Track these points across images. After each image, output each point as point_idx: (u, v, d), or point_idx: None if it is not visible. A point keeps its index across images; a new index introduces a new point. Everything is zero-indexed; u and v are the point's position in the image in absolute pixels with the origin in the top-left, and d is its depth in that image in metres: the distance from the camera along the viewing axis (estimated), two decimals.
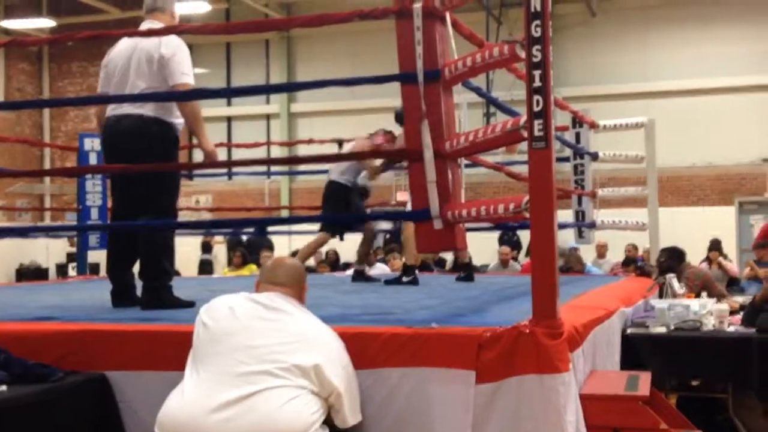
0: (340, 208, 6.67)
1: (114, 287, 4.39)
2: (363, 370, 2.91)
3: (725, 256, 12.47)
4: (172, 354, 3.02)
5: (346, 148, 7.02)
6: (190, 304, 4.13)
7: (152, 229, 4.22)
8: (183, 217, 14.05)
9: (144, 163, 4.10)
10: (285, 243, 14.57)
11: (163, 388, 2.81)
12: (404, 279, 6.17)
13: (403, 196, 14.17)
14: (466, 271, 6.70)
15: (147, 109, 4.21)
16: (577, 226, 7.56)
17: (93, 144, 8.04)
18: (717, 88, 15.92)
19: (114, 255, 4.45)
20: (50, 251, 18.29)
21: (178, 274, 5.49)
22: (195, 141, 4.43)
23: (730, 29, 16.03)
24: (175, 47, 4.21)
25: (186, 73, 4.21)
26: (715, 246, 12.27)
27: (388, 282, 6.24)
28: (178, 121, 4.32)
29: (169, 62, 4.17)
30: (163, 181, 4.26)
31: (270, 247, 12.62)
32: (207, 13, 17.61)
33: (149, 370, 3.12)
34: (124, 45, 4.35)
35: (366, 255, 7.16)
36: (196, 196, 18.38)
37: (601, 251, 13.38)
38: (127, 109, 4.23)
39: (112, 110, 4.31)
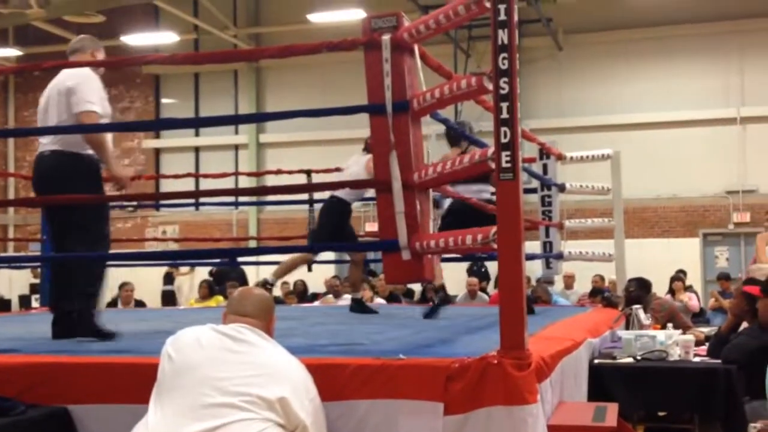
0: (333, 224, 6.43)
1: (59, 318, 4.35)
2: (330, 402, 2.89)
3: (693, 291, 12.60)
4: (136, 386, 2.97)
5: (351, 168, 6.62)
6: (109, 336, 4.10)
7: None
8: (149, 247, 13.95)
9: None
10: (253, 274, 14.49)
11: (127, 421, 2.76)
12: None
13: (372, 226, 14.18)
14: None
15: (60, 145, 4.30)
16: (545, 257, 7.59)
17: None
18: (681, 121, 16.20)
19: (60, 285, 4.43)
20: (13, 282, 18.00)
21: (143, 304, 5.40)
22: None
23: (693, 63, 16.35)
24: (81, 77, 4.30)
25: (90, 101, 4.26)
26: (679, 277, 12.41)
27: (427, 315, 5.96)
28: (91, 152, 4.35)
29: (74, 91, 4.25)
30: (89, 211, 4.27)
31: (237, 278, 12.52)
32: (175, 43, 17.63)
33: (113, 404, 3.07)
34: (49, 85, 4.46)
35: (360, 281, 6.85)
36: (162, 227, 18.25)
37: (569, 282, 13.46)
38: (46, 146, 4.33)
39: (38, 149, 4.41)
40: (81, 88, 4.25)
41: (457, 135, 5.91)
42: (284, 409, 2.65)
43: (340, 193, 6.45)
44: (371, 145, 3.60)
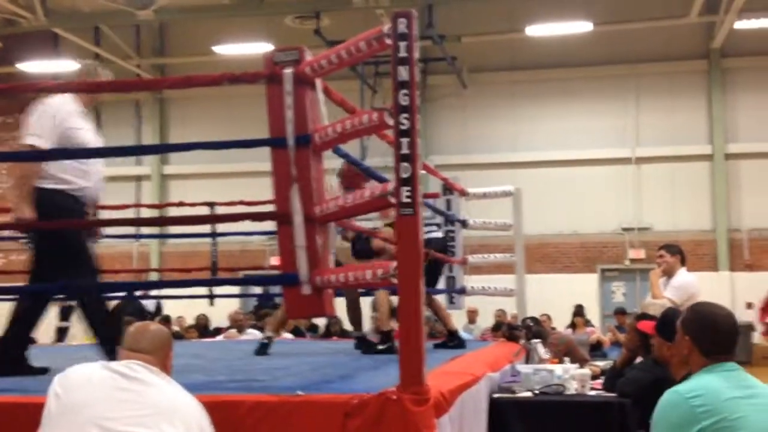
0: None
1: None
2: None
3: (591, 325, 12.91)
4: (19, 427, 2.84)
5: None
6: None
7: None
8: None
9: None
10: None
11: None
12: (380, 347, 5.83)
13: (277, 260, 14.07)
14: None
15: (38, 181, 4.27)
16: (448, 292, 7.65)
17: None
18: (580, 160, 16.73)
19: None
20: None
21: (33, 341, 5.17)
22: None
23: (592, 104, 16.95)
24: (37, 111, 4.28)
25: (32, 133, 4.23)
26: (580, 312, 12.70)
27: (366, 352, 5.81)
28: (60, 186, 4.33)
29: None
30: (57, 244, 4.31)
31: (134, 313, 12.16)
32: (76, 71, 17.19)
33: None
34: None
35: (359, 319, 6.59)
36: None
37: (472, 317, 13.61)
38: None
39: None
40: (31, 120, 4.25)
41: None
42: None
43: None
44: (272, 178, 3.55)
